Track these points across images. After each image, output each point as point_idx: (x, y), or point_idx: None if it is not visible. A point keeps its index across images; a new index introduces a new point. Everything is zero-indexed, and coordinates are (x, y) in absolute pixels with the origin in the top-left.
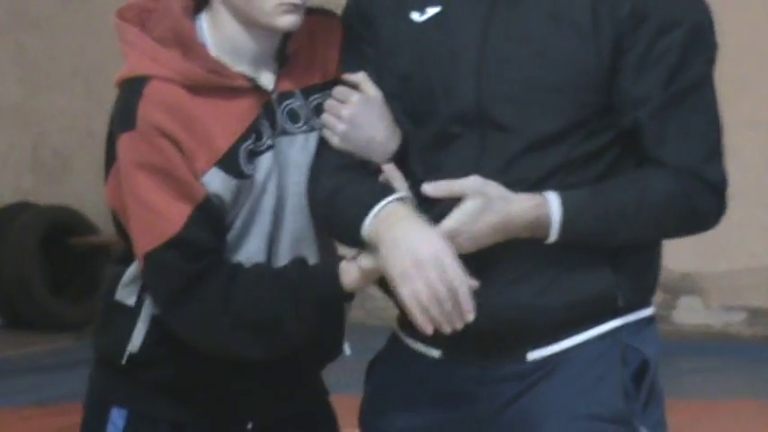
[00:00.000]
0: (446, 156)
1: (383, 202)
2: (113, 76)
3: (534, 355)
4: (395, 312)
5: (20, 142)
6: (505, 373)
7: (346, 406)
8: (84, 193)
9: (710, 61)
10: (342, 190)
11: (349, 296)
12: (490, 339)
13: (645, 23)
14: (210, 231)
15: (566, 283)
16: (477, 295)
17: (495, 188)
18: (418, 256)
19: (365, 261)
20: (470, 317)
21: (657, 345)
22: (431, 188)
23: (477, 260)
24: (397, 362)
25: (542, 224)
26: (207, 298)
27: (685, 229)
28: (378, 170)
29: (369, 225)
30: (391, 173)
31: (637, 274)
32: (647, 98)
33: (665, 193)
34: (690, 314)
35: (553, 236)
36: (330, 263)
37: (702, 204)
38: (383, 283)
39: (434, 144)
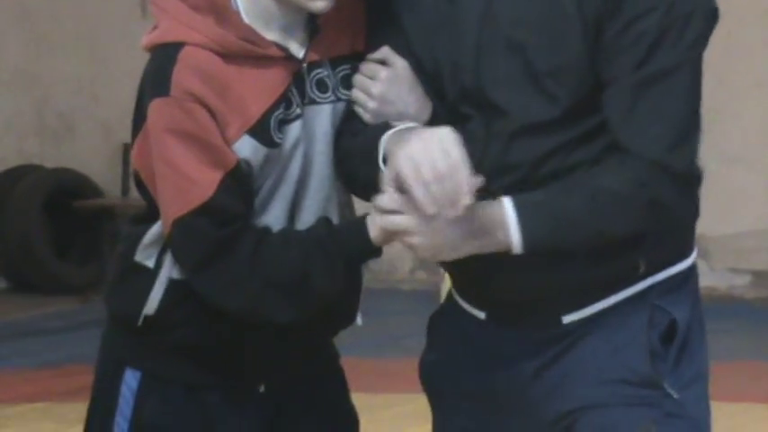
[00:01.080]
0: (464, 133)
1: (398, 126)
2: (117, 40)
3: (569, 318)
4: (400, 275)
5: (24, 105)
6: (542, 336)
7: (355, 368)
8: (88, 156)
9: (693, 47)
10: (359, 136)
11: (377, 250)
12: (526, 306)
13: (623, 6)
14: (239, 198)
15: (591, 254)
16: (512, 264)
17: None
18: (426, 143)
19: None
20: (467, 199)
21: (693, 299)
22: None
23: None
24: (451, 319)
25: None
26: (235, 262)
27: (650, 223)
28: None
29: (384, 143)
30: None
31: (661, 235)
32: (615, 80)
33: (618, 190)
34: None
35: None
36: (358, 219)
37: (665, 195)
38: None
39: (452, 121)
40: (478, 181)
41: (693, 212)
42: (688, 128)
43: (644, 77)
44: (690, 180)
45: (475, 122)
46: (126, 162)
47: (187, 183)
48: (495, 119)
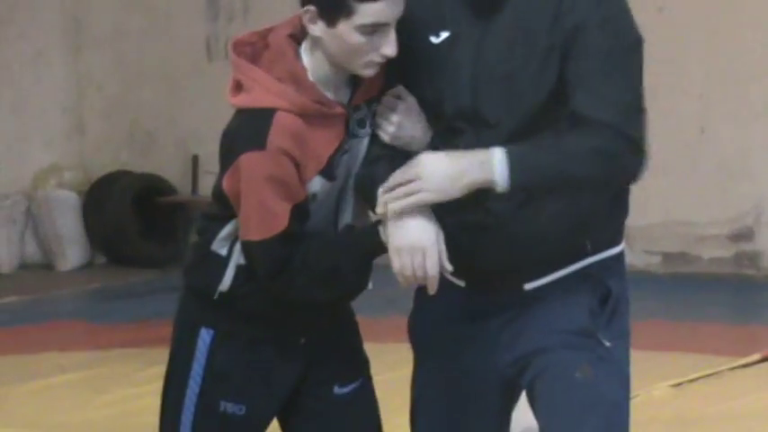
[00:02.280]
0: (453, 144)
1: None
2: (189, 76)
3: (529, 285)
4: None
5: (119, 125)
6: (508, 299)
7: (365, 324)
8: (166, 163)
9: (635, 45)
10: (369, 177)
11: (385, 247)
12: (496, 276)
13: (583, 29)
14: (302, 222)
15: (549, 237)
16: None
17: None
18: (413, 242)
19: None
20: (432, 291)
21: (622, 275)
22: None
23: (485, 221)
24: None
25: (490, 168)
26: (292, 268)
27: (613, 181)
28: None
29: (380, 206)
30: None
31: (603, 224)
32: (579, 82)
33: (593, 147)
34: None
35: (502, 176)
36: (372, 226)
37: (621, 152)
38: None
39: (445, 136)
40: (450, 268)
41: (624, 209)
42: (640, 105)
43: (604, 62)
44: (640, 146)
45: (467, 135)
46: (195, 168)
47: (270, 215)
48: (485, 131)
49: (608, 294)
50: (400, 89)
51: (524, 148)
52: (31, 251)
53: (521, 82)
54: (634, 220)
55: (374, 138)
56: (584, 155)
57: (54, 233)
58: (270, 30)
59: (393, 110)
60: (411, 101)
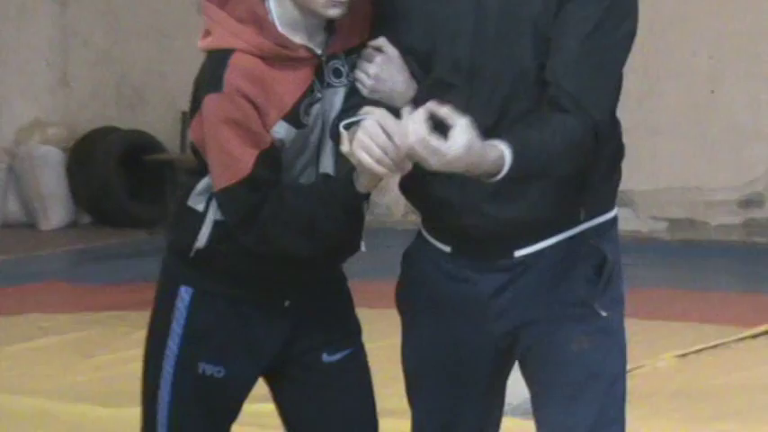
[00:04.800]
0: (442, 100)
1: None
2: (179, 30)
3: (519, 252)
4: (395, 218)
5: (107, 80)
6: (498, 266)
7: (359, 288)
8: (155, 120)
9: (625, 37)
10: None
11: (363, 195)
12: (486, 241)
13: None
14: (271, 169)
15: (541, 201)
16: (477, 207)
17: (476, 134)
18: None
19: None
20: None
21: (616, 241)
22: (433, 105)
23: (475, 183)
24: (422, 252)
25: (496, 170)
26: (265, 216)
27: (573, 168)
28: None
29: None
30: (435, 107)
31: (596, 189)
32: (563, 47)
33: (577, 137)
34: (624, 222)
35: (502, 174)
36: (347, 172)
37: (588, 140)
38: (405, 192)
39: (433, 91)
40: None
41: (618, 173)
42: (615, 93)
43: (587, 51)
44: (604, 134)
45: (459, 90)
46: (184, 126)
47: (233, 160)
48: (480, 86)
49: (603, 261)
50: (382, 40)
51: (523, 148)
52: (13, 210)
53: (522, 36)
54: (639, 184)
55: (354, 89)
56: (564, 152)
57: (37, 191)
58: None
59: (371, 61)
60: (392, 52)
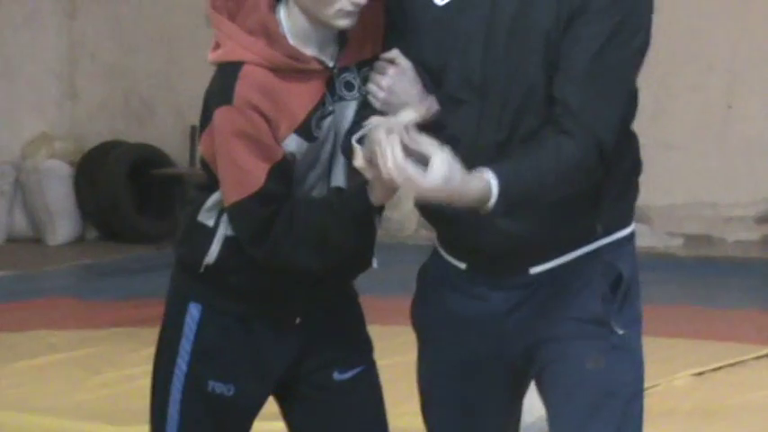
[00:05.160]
0: (453, 116)
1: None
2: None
3: (535, 269)
4: (407, 233)
5: (115, 93)
6: (513, 283)
7: (371, 305)
8: (163, 134)
9: (635, 54)
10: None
11: (377, 208)
12: (500, 258)
13: (590, 4)
14: (283, 183)
15: (555, 217)
16: (492, 224)
17: (458, 167)
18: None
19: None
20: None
21: (633, 258)
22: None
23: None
24: (437, 268)
25: (484, 200)
26: (276, 231)
27: (580, 187)
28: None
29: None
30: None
31: (613, 205)
32: (569, 67)
33: (575, 160)
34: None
35: (491, 206)
36: (360, 184)
37: (593, 164)
38: (421, 209)
39: (444, 106)
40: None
41: (636, 189)
42: (621, 116)
43: (595, 68)
44: (609, 156)
45: (470, 106)
46: (193, 139)
47: (243, 174)
48: (491, 104)
49: (619, 278)
50: (395, 53)
51: (512, 176)
52: (20, 224)
53: (533, 52)
54: (656, 199)
55: (366, 102)
56: (560, 178)
57: (44, 206)
58: None
59: (384, 73)
60: (405, 65)
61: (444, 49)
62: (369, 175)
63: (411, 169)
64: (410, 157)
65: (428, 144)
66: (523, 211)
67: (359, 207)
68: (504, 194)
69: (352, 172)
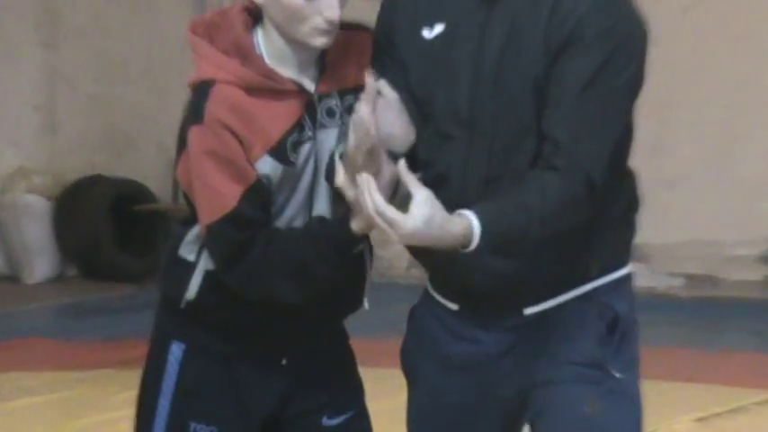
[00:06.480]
0: (442, 152)
1: None
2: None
3: (528, 311)
4: (398, 272)
5: (96, 126)
6: (506, 325)
7: (361, 347)
8: (145, 168)
9: (627, 85)
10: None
11: (360, 238)
12: (492, 299)
13: (582, 34)
14: (258, 207)
15: (549, 256)
16: (484, 265)
17: (440, 206)
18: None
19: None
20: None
21: (630, 298)
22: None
23: None
24: (428, 310)
25: (466, 242)
26: (252, 257)
27: (570, 224)
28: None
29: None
30: (402, 172)
31: (608, 245)
32: (559, 99)
33: (562, 197)
34: (638, 278)
35: (473, 248)
36: (342, 214)
37: (584, 201)
38: (411, 249)
39: (432, 141)
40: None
41: (632, 227)
42: (612, 149)
43: (584, 101)
44: (599, 192)
45: (458, 142)
46: (176, 174)
47: (216, 195)
48: (480, 137)
49: (616, 320)
50: (381, 83)
51: (495, 216)
52: None
53: (522, 88)
54: (655, 238)
55: (347, 131)
56: (547, 216)
57: (21, 242)
58: (230, 8)
59: (369, 104)
60: (391, 96)
61: (431, 81)
62: (350, 194)
63: (391, 213)
64: (391, 195)
65: (410, 180)
66: (512, 250)
67: (341, 237)
68: (487, 235)
69: (335, 201)
